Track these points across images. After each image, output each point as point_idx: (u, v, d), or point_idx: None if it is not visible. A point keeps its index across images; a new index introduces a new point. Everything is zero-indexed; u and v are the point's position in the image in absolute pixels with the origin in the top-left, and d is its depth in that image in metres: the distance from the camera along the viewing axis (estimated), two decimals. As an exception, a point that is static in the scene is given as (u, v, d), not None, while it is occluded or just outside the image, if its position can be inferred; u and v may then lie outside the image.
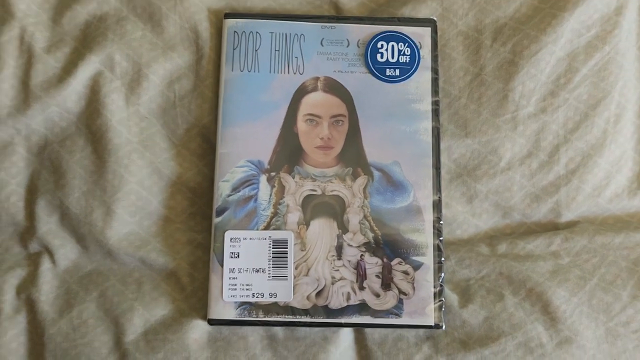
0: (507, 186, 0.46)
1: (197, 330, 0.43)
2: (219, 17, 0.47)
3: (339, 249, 0.43)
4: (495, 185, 0.46)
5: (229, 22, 0.46)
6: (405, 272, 0.43)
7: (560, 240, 0.45)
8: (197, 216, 0.46)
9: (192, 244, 0.45)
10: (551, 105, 0.46)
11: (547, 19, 0.46)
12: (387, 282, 0.43)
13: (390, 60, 0.46)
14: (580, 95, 0.46)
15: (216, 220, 0.43)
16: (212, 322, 0.42)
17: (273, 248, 0.43)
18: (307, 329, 0.43)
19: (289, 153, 0.44)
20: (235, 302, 0.42)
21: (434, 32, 0.46)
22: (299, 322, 0.42)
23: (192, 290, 0.44)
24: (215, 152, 0.45)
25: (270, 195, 0.44)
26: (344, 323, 0.42)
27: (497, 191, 0.46)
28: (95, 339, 0.42)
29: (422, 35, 0.46)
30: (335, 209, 0.44)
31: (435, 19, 0.47)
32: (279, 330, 0.43)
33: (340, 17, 0.47)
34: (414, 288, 0.42)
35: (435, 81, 0.45)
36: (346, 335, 0.43)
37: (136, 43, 0.46)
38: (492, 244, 0.46)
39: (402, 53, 0.46)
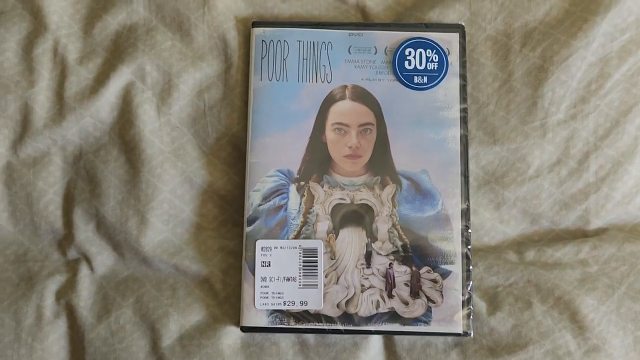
0: (535, 193, 0.46)
1: (231, 336, 0.44)
2: (247, 25, 0.47)
3: (368, 258, 0.44)
4: (524, 192, 0.46)
5: (257, 31, 0.46)
6: (434, 280, 0.43)
7: (588, 248, 0.45)
8: (228, 223, 0.47)
9: (223, 250, 0.46)
10: (581, 112, 0.45)
11: (578, 23, 0.45)
12: (415, 290, 0.43)
13: (418, 67, 0.46)
14: (611, 101, 0.45)
15: (247, 229, 0.44)
16: (244, 329, 0.43)
17: (303, 257, 0.44)
18: (338, 335, 0.44)
19: (318, 162, 0.45)
20: (267, 310, 0.43)
21: (462, 37, 0.46)
22: (330, 329, 0.43)
23: (224, 296, 0.45)
24: (245, 161, 0.45)
25: (300, 204, 0.44)
26: (373, 331, 0.43)
27: (525, 198, 0.46)
28: (133, 344, 0.44)
29: (450, 41, 0.46)
30: (364, 218, 0.44)
31: (463, 24, 0.46)
32: (310, 336, 0.44)
33: (367, 24, 0.47)
34: (442, 296, 0.43)
35: (463, 88, 0.45)
36: (376, 342, 0.44)
37: (166, 53, 0.46)
38: (520, 251, 0.46)
39: (430, 60, 0.46)
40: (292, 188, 0.44)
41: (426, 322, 0.43)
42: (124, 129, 0.46)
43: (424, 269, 0.43)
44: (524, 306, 0.44)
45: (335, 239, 0.44)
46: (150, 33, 0.47)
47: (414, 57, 0.46)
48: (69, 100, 0.46)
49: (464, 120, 0.45)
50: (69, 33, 0.47)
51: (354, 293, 0.43)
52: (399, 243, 0.44)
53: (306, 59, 0.46)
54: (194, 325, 0.44)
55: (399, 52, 0.46)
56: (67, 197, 0.46)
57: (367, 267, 0.44)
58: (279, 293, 0.43)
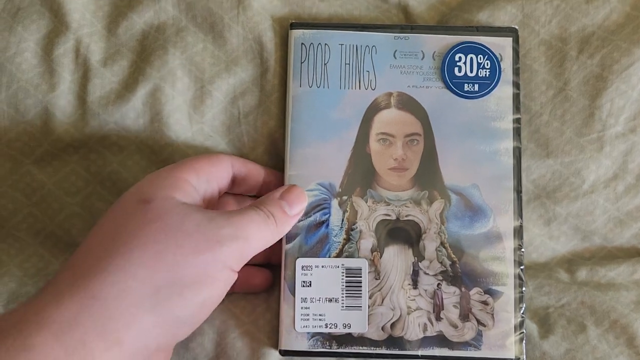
0: (589, 210, 0.43)
1: (269, 357, 0.42)
2: (284, 26, 0.44)
3: (415, 278, 0.41)
4: (577, 208, 0.43)
5: (296, 33, 0.43)
6: (485, 303, 0.41)
7: (644, 268, 0.43)
8: (263, 237, 0.44)
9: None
10: (642, 125, 0.43)
11: (640, 30, 0.43)
12: (465, 313, 0.41)
13: (469, 74, 0.43)
14: (674, 113, 0.43)
15: (287, 246, 0.41)
16: (283, 353, 0.41)
17: (346, 277, 0.41)
18: (381, 358, 0.42)
19: (361, 175, 0.42)
20: (308, 333, 0.41)
21: (516, 42, 0.43)
22: (375, 354, 0.41)
23: (260, 312, 0.43)
24: (283, 173, 0.42)
25: (343, 220, 0.42)
26: (421, 355, 0.41)
27: (578, 214, 0.43)
28: (165, 365, 0.42)
29: (502, 46, 0.43)
30: (410, 235, 0.42)
31: (516, 27, 0.43)
32: (351, 358, 0.42)
33: (414, 27, 0.44)
34: (493, 319, 0.41)
35: (516, 97, 0.42)
36: (421, 366, 0.42)
37: (198, 57, 0.43)
38: (570, 269, 0.44)
39: (481, 66, 0.43)
40: (334, 203, 0.42)
41: (476, 347, 0.40)
42: (152, 139, 0.43)
43: (474, 290, 0.41)
44: (577, 329, 0.41)
45: (380, 257, 0.41)
46: (180, 34, 0.43)
47: (465, 63, 0.43)
48: (92, 105, 0.43)
49: (517, 132, 0.42)
50: (91, 32, 0.43)
51: (400, 315, 0.41)
52: (448, 262, 0.41)
53: (349, 64, 0.43)
54: (230, 344, 0.42)
55: (448, 58, 0.43)
56: (91, 209, 0.43)
57: (414, 288, 0.41)
58: (320, 315, 0.41)
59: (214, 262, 0.32)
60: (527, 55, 0.44)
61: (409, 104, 0.42)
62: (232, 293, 0.43)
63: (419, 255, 0.41)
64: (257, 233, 0.35)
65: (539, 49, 0.44)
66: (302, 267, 0.41)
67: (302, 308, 0.41)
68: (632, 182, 0.43)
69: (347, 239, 0.41)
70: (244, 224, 0.34)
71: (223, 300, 0.42)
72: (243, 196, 0.42)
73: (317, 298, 0.41)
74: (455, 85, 0.43)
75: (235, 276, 0.35)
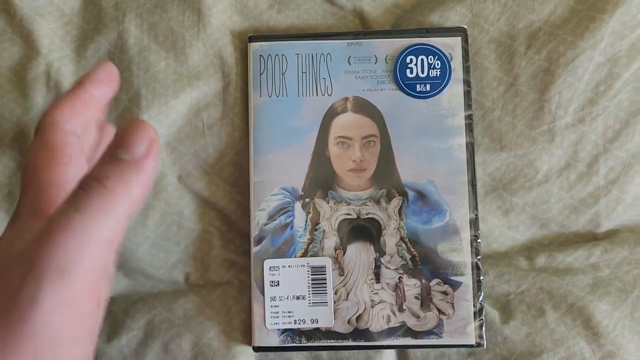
0: (544, 199, 0.45)
1: (245, 354, 0.44)
2: (243, 40, 0.46)
3: (377, 272, 0.43)
4: (532, 198, 0.45)
5: (254, 46, 0.45)
6: (444, 293, 0.43)
7: (600, 252, 0.44)
8: (236, 240, 0.46)
9: (233, 268, 0.46)
10: (590, 115, 0.44)
11: (584, 23, 0.44)
12: (426, 303, 0.43)
13: (420, 75, 0.44)
14: (620, 102, 0.44)
15: (254, 249, 0.44)
16: (256, 349, 0.43)
17: (312, 275, 0.43)
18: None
19: (322, 178, 0.44)
20: (279, 329, 0.43)
21: (465, 41, 0.45)
22: (342, 346, 0.43)
23: (235, 312, 0.45)
24: (248, 180, 0.45)
25: (306, 221, 0.44)
26: (386, 345, 0.43)
27: (534, 204, 0.45)
28: (147, 368, 0.44)
29: (452, 46, 0.45)
30: (371, 232, 0.44)
31: (465, 27, 0.45)
32: (323, 351, 0.44)
33: (366, 32, 0.45)
34: (453, 308, 0.43)
35: (467, 94, 0.44)
36: (389, 355, 0.44)
37: (161, 75, 0.45)
38: (530, 256, 0.45)
39: (432, 67, 0.45)
40: (297, 205, 0.44)
41: (438, 335, 0.43)
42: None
43: (434, 282, 0.43)
44: (536, 314, 0.43)
45: (343, 255, 0.43)
46: (143, 54, 0.45)
47: (416, 65, 0.45)
48: (66, 126, 0.45)
49: (469, 128, 0.44)
50: (61, 56, 0.46)
51: (364, 308, 0.43)
52: (408, 256, 0.43)
53: (305, 72, 0.45)
54: (207, 344, 0.44)
55: (399, 60, 0.45)
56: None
57: (377, 282, 0.43)
58: (289, 312, 0.43)
59: None
60: (477, 53, 0.46)
61: (364, 107, 0.44)
62: (208, 296, 0.45)
63: (380, 251, 0.43)
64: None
65: (489, 47, 0.46)
66: (270, 267, 0.43)
67: (271, 306, 0.43)
68: (583, 170, 0.45)
69: (312, 239, 0.44)
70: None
71: (199, 304, 0.45)
72: None
73: (285, 296, 0.43)
74: (407, 86, 0.44)
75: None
